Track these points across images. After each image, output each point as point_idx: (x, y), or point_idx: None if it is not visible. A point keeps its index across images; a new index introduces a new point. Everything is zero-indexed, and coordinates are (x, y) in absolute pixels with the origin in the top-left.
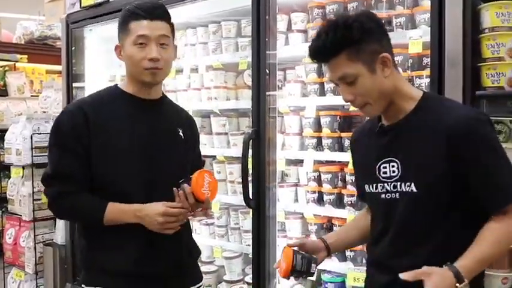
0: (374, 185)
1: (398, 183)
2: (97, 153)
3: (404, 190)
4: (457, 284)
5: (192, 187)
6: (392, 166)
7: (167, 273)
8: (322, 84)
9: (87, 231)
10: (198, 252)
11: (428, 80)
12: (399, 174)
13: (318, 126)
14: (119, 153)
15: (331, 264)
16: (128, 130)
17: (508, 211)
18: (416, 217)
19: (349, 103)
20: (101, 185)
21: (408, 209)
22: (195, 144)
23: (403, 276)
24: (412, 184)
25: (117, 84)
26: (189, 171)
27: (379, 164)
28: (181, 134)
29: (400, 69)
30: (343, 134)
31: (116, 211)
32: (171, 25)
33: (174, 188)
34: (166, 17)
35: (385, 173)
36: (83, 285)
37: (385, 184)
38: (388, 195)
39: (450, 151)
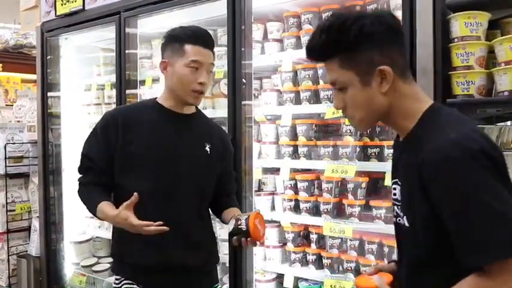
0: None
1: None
2: (119, 154)
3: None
4: None
5: (253, 238)
6: (399, 189)
7: (177, 269)
8: (297, 93)
9: (113, 227)
10: (216, 258)
11: None
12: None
13: (294, 135)
14: (136, 157)
15: (307, 272)
16: (150, 137)
17: (491, 270)
18: (413, 252)
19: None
20: (116, 184)
21: (406, 240)
22: (222, 160)
23: None
24: (404, 217)
25: (156, 98)
26: (211, 184)
27: (391, 183)
28: (207, 149)
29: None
30: (318, 142)
31: (101, 212)
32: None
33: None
34: (213, 47)
35: (394, 194)
36: (111, 272)
37: (395, 207)
38: (399, 220)
39: (424, 190)
